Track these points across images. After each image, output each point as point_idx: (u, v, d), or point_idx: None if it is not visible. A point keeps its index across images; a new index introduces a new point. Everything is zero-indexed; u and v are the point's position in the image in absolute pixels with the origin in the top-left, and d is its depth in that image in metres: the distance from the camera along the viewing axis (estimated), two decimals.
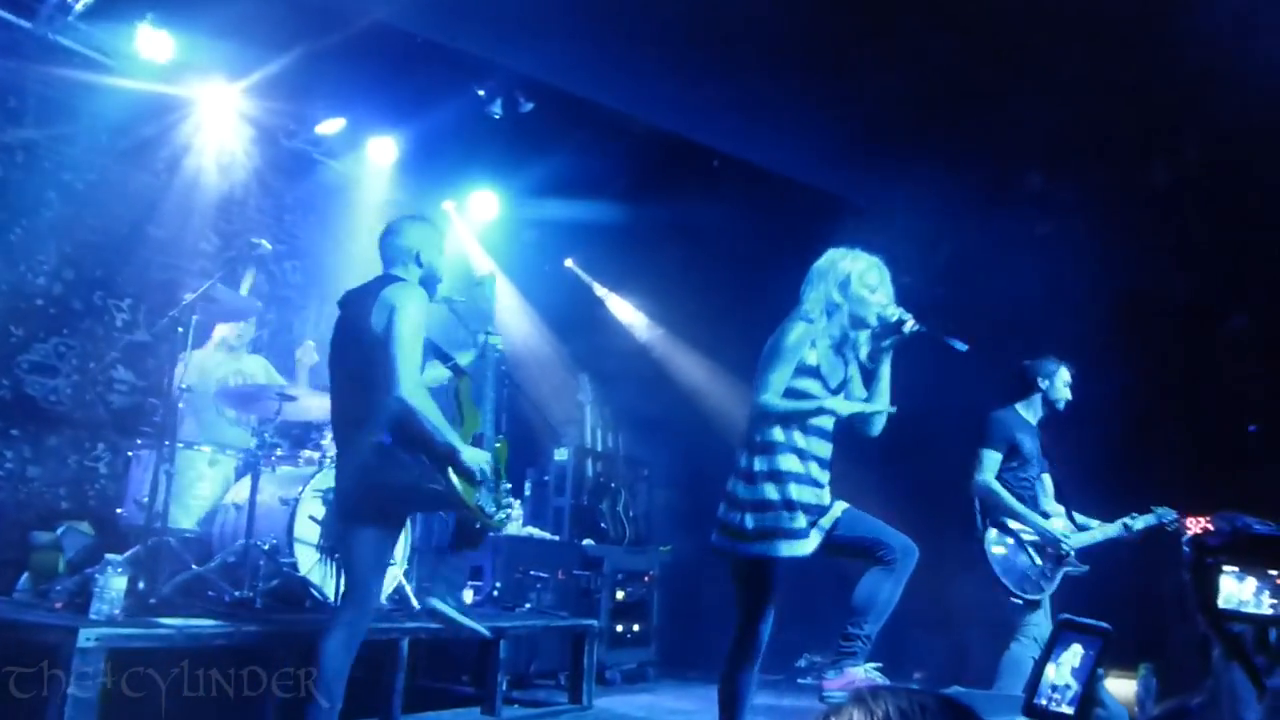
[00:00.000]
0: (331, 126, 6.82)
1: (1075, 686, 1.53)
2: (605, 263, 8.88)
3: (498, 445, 3.96)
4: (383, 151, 7.15)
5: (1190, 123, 5.38)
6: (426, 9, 5.52)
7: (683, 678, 6.96)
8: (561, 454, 7.64)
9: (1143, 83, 5.11)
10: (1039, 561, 4.54)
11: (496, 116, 6.60)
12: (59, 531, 5.06)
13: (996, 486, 4.61)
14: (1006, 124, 5.59)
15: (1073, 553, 4.58)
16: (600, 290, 9.06)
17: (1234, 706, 1.29)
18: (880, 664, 3.37)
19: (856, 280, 3.41)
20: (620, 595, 6.83)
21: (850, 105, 5.90)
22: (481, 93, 6.54)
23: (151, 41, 5.65)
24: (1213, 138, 5.42)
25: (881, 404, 3.47)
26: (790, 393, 3.33)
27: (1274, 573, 1.26)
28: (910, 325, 3.37)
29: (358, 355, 3.49)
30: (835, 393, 3.42)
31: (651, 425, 8.47)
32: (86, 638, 3.48)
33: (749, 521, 3.28)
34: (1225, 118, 5.19)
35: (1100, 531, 4.70)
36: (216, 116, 6.45)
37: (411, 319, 3.42)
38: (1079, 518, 4.76)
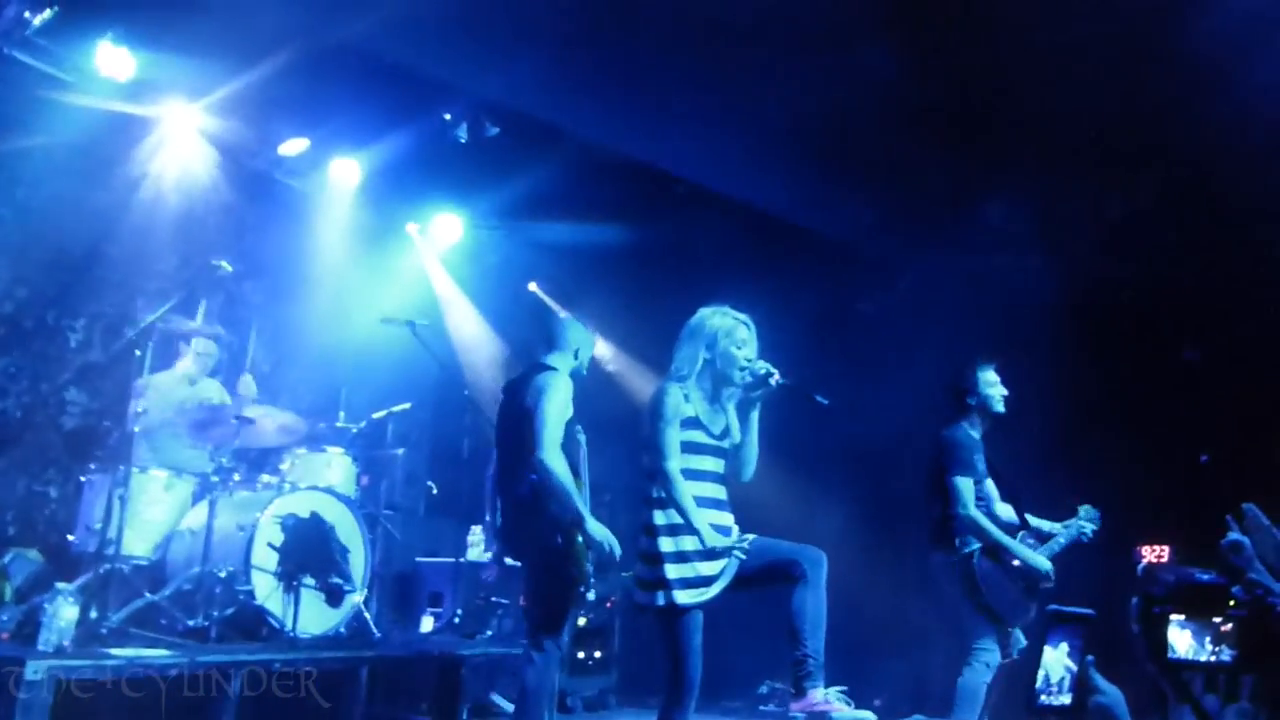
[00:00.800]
0: (294, 147, 6.77)
1: (1069, 676, 1.55)
2: (569, 286, 8.86)
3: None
4: (346, 173, 7.11)
5: (1153, 143, 5.48)
6: (393, 31, 5.51)
7: (644, 705, 6.89)
8: None
9: (1103, 102, 5.20)
10: (1023, 588, 4.54)
11: (462, 140, 6.59)
12: (6, 559, 4.93)
13: (983, 520, 4.52)
14: (961, 142, 5.68)
15: (1052, 581, 4.57)
16: (564, 314, 9.04)
17: None
18: (844, 687, 3.43)
19: (724, 337, 3.62)
20: (582, 622, 6.77)
21: (815, 132, 5.97)
22: (448, 117, 6.53)
23: (112, 59, 5.57)
24: (1173, 158, 5.52)
25: (749, 451, 3.69)
26: (680, 445, 3.54)
27: (1218, 620, 1.29)
28: (776, 379, 3.56)
29: (516, 430, 3.99)
30: (719, 439, 3.63)
31: (613, 450, 8.44)
32: (34, 670, 3.40)
33: (652, 574, 3.46)
34: (1185, 140, 5.30)
35: (1064, 536, 4.69)
36: (177, 135, 6.38)
37: (556, 400, 3.94)
38: (1034, 520, 4.76)
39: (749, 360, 3.58)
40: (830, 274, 7.39)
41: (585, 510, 3.88)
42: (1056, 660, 1.60)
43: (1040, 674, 1.57)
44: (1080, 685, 1.53)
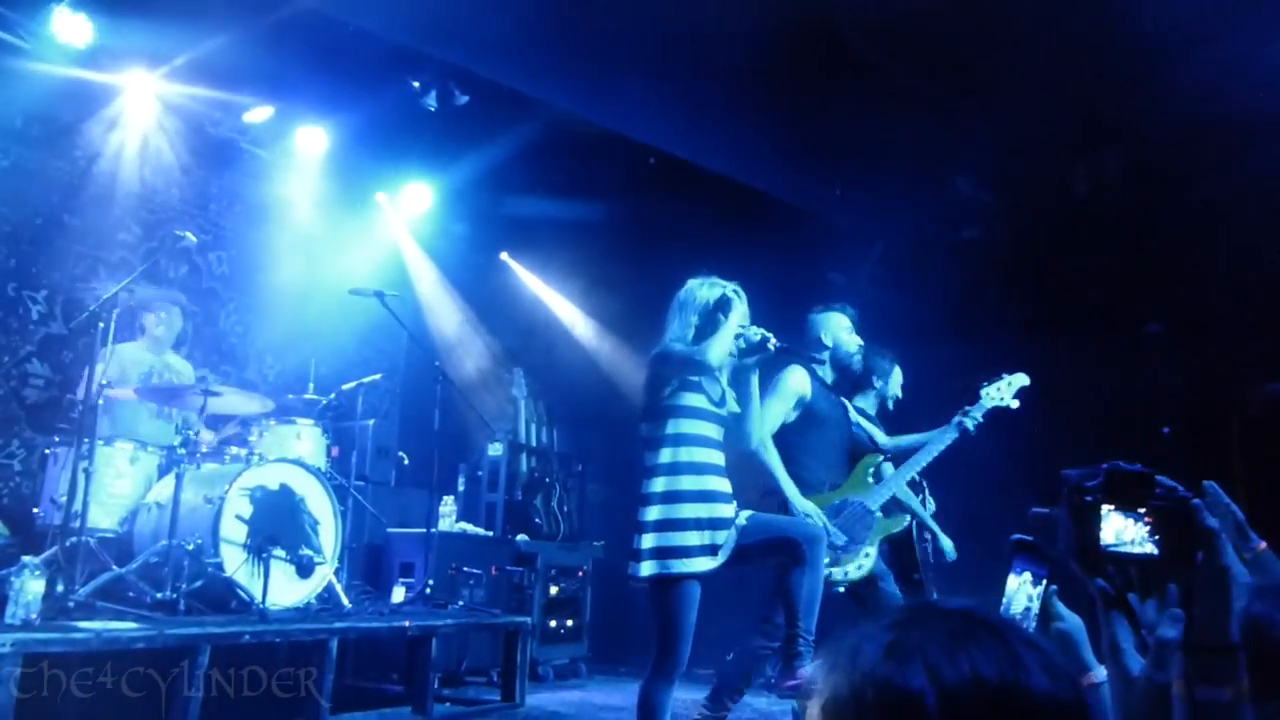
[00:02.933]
0: (259, 115, 6.67)
1: (1032, 605, 1.56)
2: (540, 257, 8.84)
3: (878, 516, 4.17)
4: (312, 141, 7.02)
5: (1111, 133, 5.55)
6: None
7: (615, 673, 6.99)
8: (495, 449, 7.59)
9: (1067, 92, 5.25)
10: None
11: (431, 109, 6.51)
12: None
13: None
14: (935, 128, 5.70)
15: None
16: (535, 284, 9.02)
17: (1119, 660, 1.31)
18: None
19: (718, 306, 3.60)
20: (553, 591, 6.82)
21: (785, 107, 5.96)
22: (416, 84, 6.45)
23: (69, 25, 5.46)
24: (1133, 144, 5.59)
25: (752, 419, 3.65)
26: (680, 409, 3.49)
27: (1143, 511, 1.29)
28: (773, 343, 3.56)
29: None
30: (718, 405, 3.59)
31: (585, 420, 8.47)
32: (2, 643, 3.38)
33: (649, 543, 3.38)
34: (1147, 125, 5.37)
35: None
36: (138, 103, 6.27)
37: (782, 390, 4.08)
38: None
39: (743, 327, 3.57)
40: (801, 244, 7.41)
41: (793, 492, 3.97)
42: (1019, 589, 1.61)
43: (1003, 602, 1.59)
44: (1042, 613, 1.55)
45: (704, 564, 3.35)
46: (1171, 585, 1.23)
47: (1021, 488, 5.11)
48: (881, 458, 4.41)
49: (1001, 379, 4.47)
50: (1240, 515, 1.95)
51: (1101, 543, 1.29)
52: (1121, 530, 1.28)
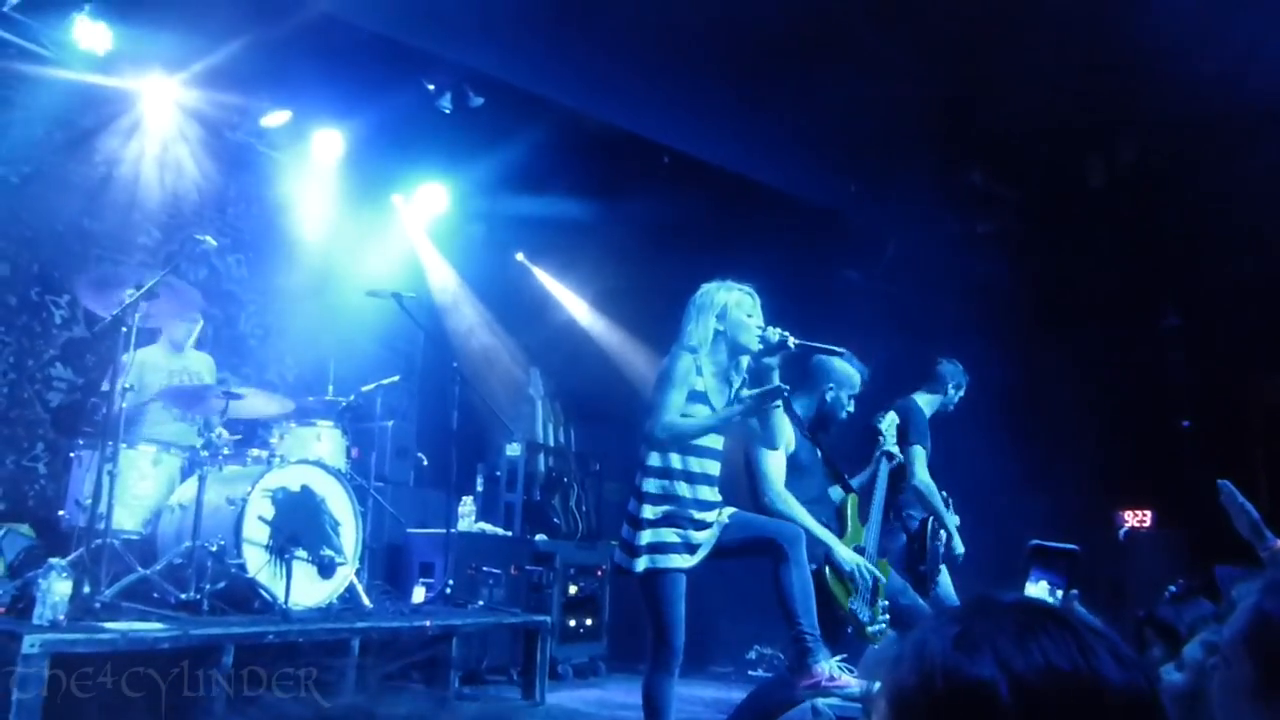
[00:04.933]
0: (276, 119, 6.72)
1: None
2: (556, 257, 8.87)
3: (879, 563, 4.05)
4: (329, 144, 7.07)
5: (1126, 124, 5.52)
6: (374, 2, 5.47)
7: (634, 672, 6.98)
8: (513, 449, 7.62)
9: (1079, 85, 5.22)
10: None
11: (446, 111, 6.55)
12: None
13: (932, 485, 4.61)
14: (949, 125, 5.69)
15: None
16: (551, 284, 9.05)
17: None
18: (844, 655, 3.49)
19: (734, 308, 3.64)
20: (572, 590, 6.84)
21: (799, 104, 5.96)
22: (431, 87, 6.49)
23: (90, 33, 5.51)
24: (1148, 138, 5.56)
25: (778, 421, 3.66)
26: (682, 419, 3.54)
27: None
28: (793, 342, 3.58)
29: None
30: None
31: (602, 419, 8.49)
32: (31, 644, 3.42)
33: (642, 539, 3.48)
34: (1161, 118, 5.34)
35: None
36: (157, 109, 6.33)
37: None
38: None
39: (760, 328, 3.61)
40: (816, 242, 7.42)
41: (831, 539, 3.87)
42: (1037, 596, 1.61)
43: None
44: None
45: (684, 561, 3.47)
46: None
47: (1037, 485, 5.09)
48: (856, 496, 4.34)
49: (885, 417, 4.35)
50: (1255, 514, 1.95)
51: None
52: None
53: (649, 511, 3.51)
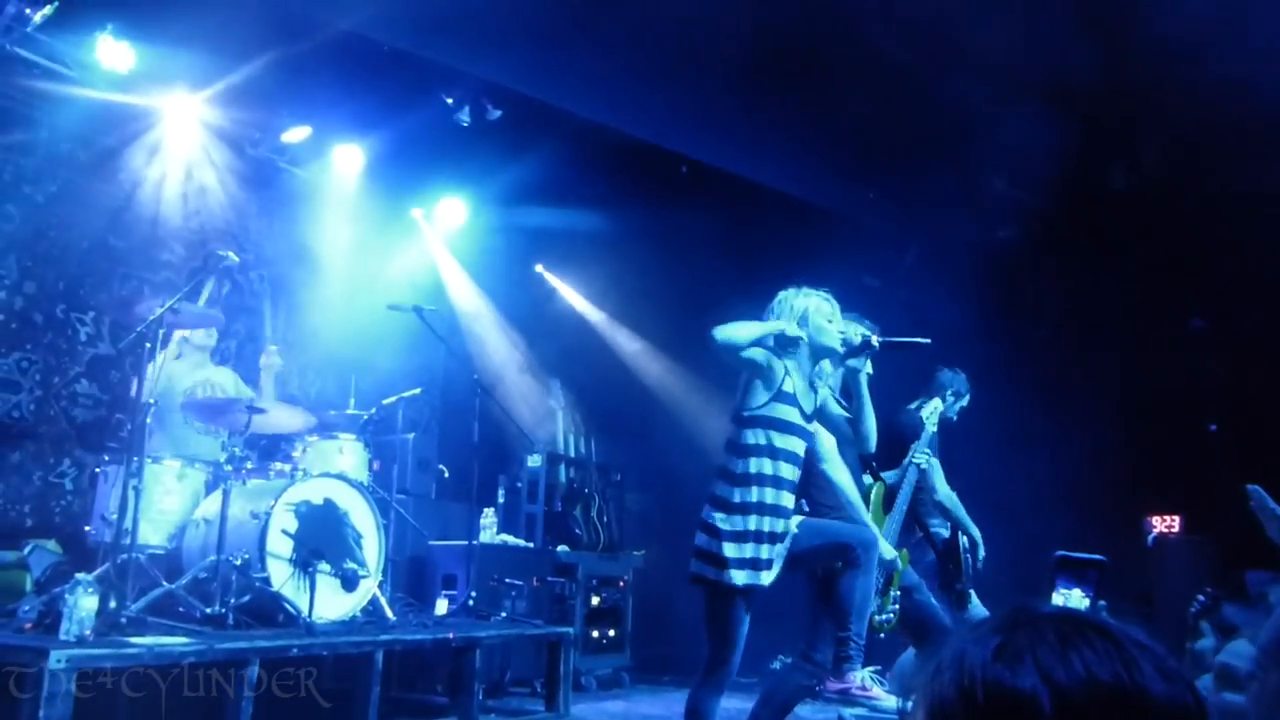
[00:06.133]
0: (297, 135, 6.78)
1: None
2: (575, 268, 8.88)
3: (900, 553, 4.07)
4: (349, 159, 7.12)
5: (1150, 127, 5.47)
6: (393, 18, 5.50)
7: (657, 683, 6.97)
8: (534, 460, 7.61)
9: (1102, 93, 5.19)
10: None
11: (464, 124, 6.58)
12: (26, 550, 4.99)
13: (955, 497, 4.56)
14: (969, 132, 5.66)
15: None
16: (570, 295, 9.06)
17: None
18: (878, 667, 3.47)
19: (814, 313, 3.59)
20: (595, 601, 6.83)
21: (816, 111, 5.95)
22: (449, 100, 6.52)
23: (112, 52, 5.58)
24: (1172, 143, 5.51)
25: (868, 422, 3.66)
26: (769, 420, 3.45)
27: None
28: (876, 339, 3.58)
29: None
30: (809, 420, 3.56)
31: (623, 430, 8.48)
32: (57, 659, 3.44)
33: (728, 551, 3.36)
34: (1186, 120, 5.29)
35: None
36: (179, 126, 6.39)
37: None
38: None
39: (842, 330, 3.58)
40: (835, 249, 7.39)
41: (872, 524, 3.84)
42: (1073, 606, 1.59)
43: None
44: None
45: (764, 578, 3.38)
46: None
47: (1063, 492, 5.04)
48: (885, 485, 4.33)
49: (929, 400, 4.43)
50: None
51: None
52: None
53: (736, 523, 3.37)
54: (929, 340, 3.71)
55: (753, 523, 3.38)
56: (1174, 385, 6.22)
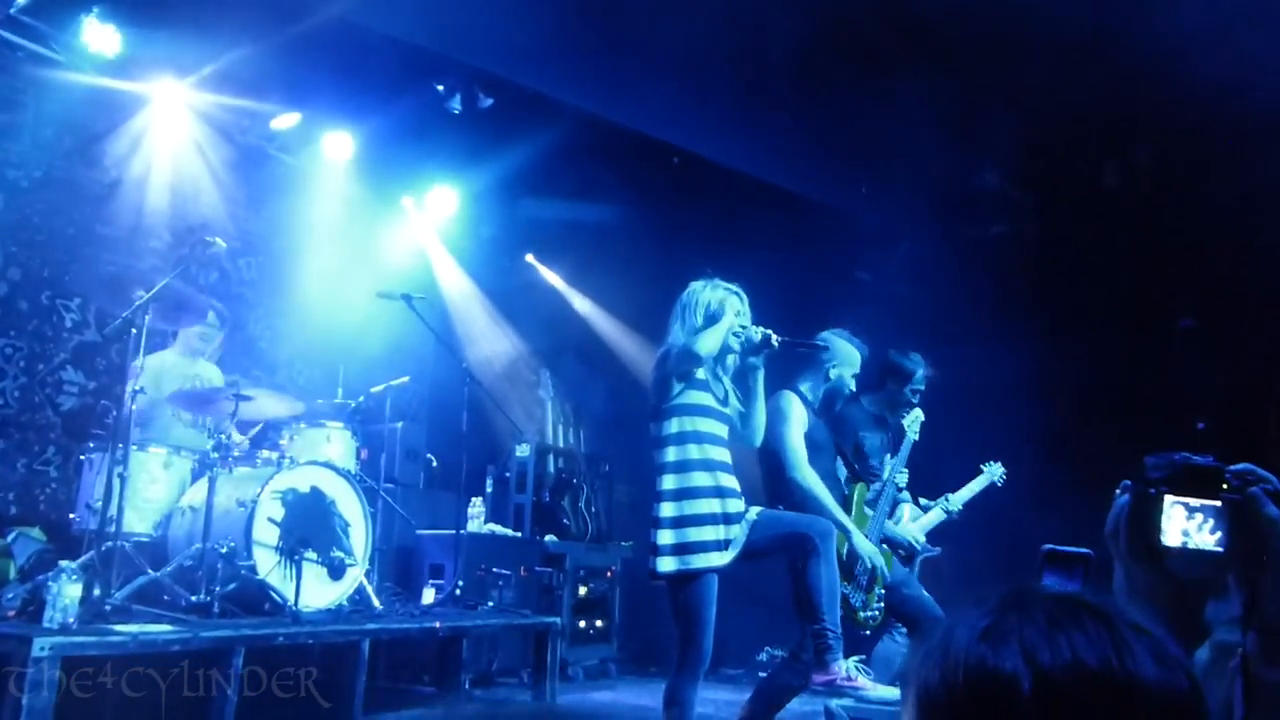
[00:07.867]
0: (286, 121, 6.73)
1: None
2: (566, 258, 8.86)
3: (885, 553, 4.10)
4: (339, 147, 7.07)
5: (1141, 127, 5.48)
6: (384, 4, 5.46)
7: (644, 674, 6.98)
8: (522, 450, 7.60)
9: (1096, 90, 5.19)
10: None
11: (455, 112, 6.55)
12: (10, 538, 4.95)
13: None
14: (965, 127, 5.65)
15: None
16: (561, 285, 9.03)
17: None
18: (862, 656, 3.50)
19: (724, 308, 3.63)
20: (582, 591, 6.84)
21: (810, 105, 5.94)
22: (440, 88, 6.49)
23: (98, 35, 5.53)
24: (1163, 142, 5.52)
25: (757, 417, 3.69)
26: (686, 408, 3.54)
27: (1212, 503, 1.23)
28: (775, 339, 3.60)
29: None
30: (723, 404, 3.64)
31: (612, 421, 8.48)
32: (41, 647, 3.43)
33: (662, 539, 3.43)
34: (1176, 119, 5.30)
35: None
36: (167, 111, 6.34)
37: (795, 415, 3.96)
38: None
39: (744, 327, 3.61)
40: (827, 243, 7.39)
41: (850, 524, 3.92)
42: None
43: None
44: None
45: (719, 559, 3.41)
46: (1232, 581, 1.19)
47: (1050, 487, 5.05)
48: (870, 488, 4.29)
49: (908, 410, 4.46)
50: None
51: (1163, 540, 1.24)
52: (1186, 527, 1.23)
53: (672, 510, 3.45)
54: (826, 345, 3.92)
55: (691, 507, 3.44)
56: (1162, 383, 6.24)
